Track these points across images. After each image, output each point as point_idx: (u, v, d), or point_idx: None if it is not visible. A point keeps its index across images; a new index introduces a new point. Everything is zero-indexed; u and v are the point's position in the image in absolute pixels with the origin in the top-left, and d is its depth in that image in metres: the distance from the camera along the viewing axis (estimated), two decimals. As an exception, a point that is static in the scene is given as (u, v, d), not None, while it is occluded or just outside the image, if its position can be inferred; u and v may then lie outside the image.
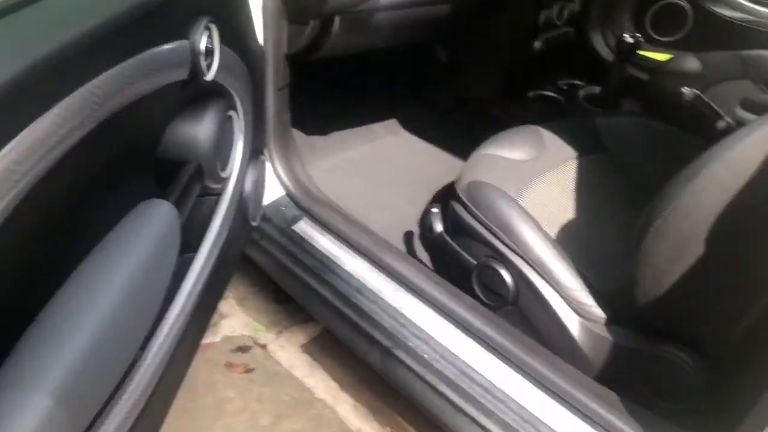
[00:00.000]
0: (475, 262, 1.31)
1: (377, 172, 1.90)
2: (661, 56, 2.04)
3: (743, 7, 2.10)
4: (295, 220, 1.51)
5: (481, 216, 1.29)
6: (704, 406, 1.04)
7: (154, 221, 0.86)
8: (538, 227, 1.25)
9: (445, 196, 1.44)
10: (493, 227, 1.26)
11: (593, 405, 1.07)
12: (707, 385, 1.02)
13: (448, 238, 1.37)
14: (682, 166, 1.47)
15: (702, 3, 2.12)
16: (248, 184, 1.28)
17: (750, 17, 2.13)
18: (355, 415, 1.50)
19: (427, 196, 1.81)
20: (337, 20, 1.35)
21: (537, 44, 1.89)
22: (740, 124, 1.50)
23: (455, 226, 1.36)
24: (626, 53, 1.81)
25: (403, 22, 1.46)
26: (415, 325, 1.26)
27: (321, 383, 1.57)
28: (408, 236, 1.66)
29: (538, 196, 1.38)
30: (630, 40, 1.78)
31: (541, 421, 1.09)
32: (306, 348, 1.66)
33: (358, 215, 1.67)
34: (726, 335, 0.99)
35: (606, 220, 1.36)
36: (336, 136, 1.98)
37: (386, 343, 1.27)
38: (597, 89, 1.91)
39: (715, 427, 0.98)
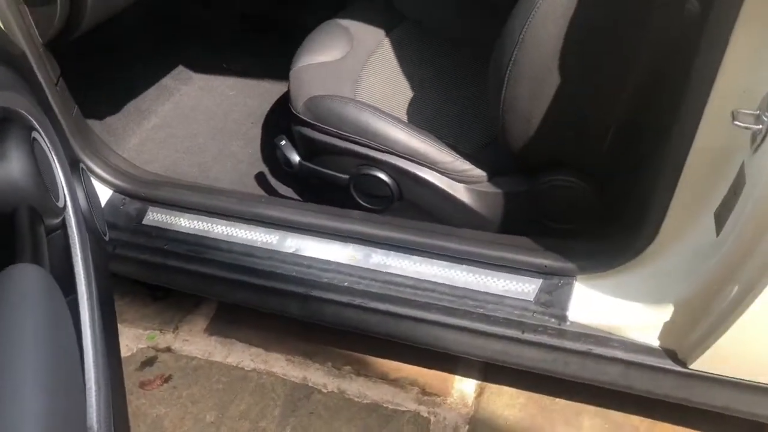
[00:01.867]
0: (346, 176, 1.28)
1: (192, 129, 1.75)
2: None
3: None
4: (141, 213, 1.37)
5: (334, 130, 1.24)
6: (596, 217, 1.15)
7: (25, 290, 0.72)
8: (392, 118, 1.24)
9: (287, 124, 1.36)
10: (352, 136, 1.23)
11: (509, 254, 1.14)
12: (595, 196, 1.13)
13: (310, 165, 1.32)
14: (484, 6, 1.54)
15: None
16: (83, 201, 1.12)
17: None
18: (293, 367, 1.48)
19: (258, 130, 1.72)
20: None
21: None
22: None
23: (312, 149, 1.31)
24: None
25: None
26: (319, 260, 1.23)
27: (245, 355, 1.51)
28: (262, 178, 1.58)
29: (372, 86, 1.35)
30: None
31: (473, 290, 1.14)
32: (211, 330, 1.57)
33: (199, 179, 1.55)
34: (597, 152, 1.08)
35: (441, 85, 1.38)
36: (130, 109, 1.77)
37: (300, 290, 1.23)
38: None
39: (608, 233, 1.10)
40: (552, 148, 1.10)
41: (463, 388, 1.41)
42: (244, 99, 1.81)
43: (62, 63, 1.29)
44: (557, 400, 1.37)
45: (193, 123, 1.76)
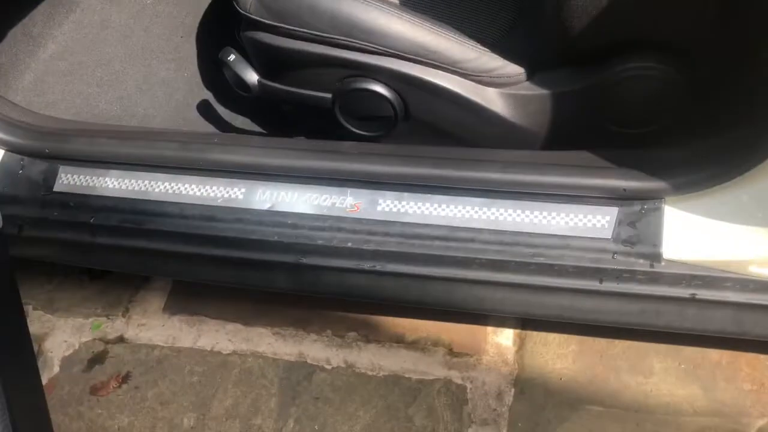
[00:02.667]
0: (328, 94, 0.93)
1: (104, 52, 1.33)
2: None
3: None
4: (50, 177, 1.00)
5: (305, 31, 0.88)
6: (686, 115, 0.84)
7: None
8: (384, 4, 0.88)
9: (232, 31, 0.99)
10: (332, 36, 0.87)
11: (571, 177, 0.83)
12: (687, 87, 0.81)
13: (273, 84, 0.96)
14: None
15: None
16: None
17: None
18: (284, 342, 1.18)
19: (192, 46, 1.31)
20: None
21: None
22: None
23: (274, 61, 0.95)
24: None
25: None
26: (307, 216, 0.90)
27: (220, 335, 1.20)
28: (207, 109, 1.20)
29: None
30: None
31: (526, 233, 0.84)
32: (171, 308, 1.25)
33: (124, 120, 1.17)
34: (698, 22, 0.76)
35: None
36: (16, 36, 1.33)
37: (287, 258, 0.90)
38: None
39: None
40: (632, 22, 0.77)
41: (499, 341, 1.14)
42: (166, 6, 1.39)
43: None
44: (615, 342, 1.11)
45: (103, 45, 1.34)
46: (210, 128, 1.18)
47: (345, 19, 0.85)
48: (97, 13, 1.41)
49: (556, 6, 0.75)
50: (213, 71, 1.27)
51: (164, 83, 1.27)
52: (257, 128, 1.16)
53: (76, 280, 1.31)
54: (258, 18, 0.91)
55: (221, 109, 1.20)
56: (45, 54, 1.34)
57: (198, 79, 1.26)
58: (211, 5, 1.36)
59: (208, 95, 1.23)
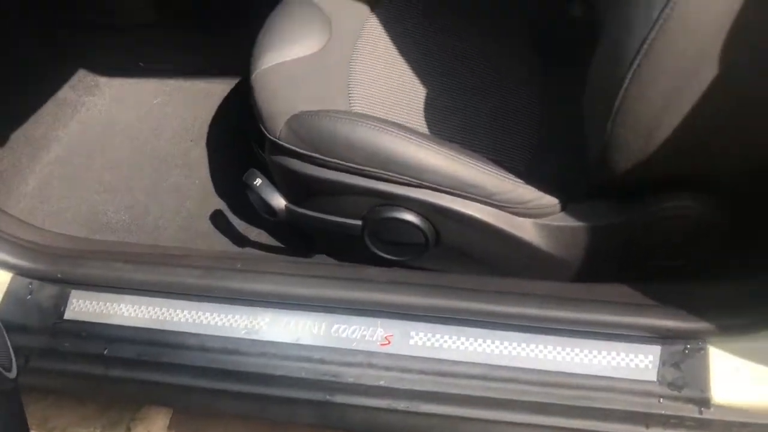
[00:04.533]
0: (358, 221, 0.91)
1: (111, 156, 1.31)
2: None
3: None
4: (60, 302, 0.95)
5: (338, 162, 0.86)
6: (721, 249, 0.84)
7: None
8: (417, 135, 0.87)
9: (259, 153, 0.97)
10: (366, 168, 0.85)
11: (613, 315, 0.81)
12: (721, 228, 0.81)
13: (302, 210, 0.93)
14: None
15: None
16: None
17: None
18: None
19: (203, 150, 1.29)
20: None
21: None
22: None
23: (303, 188, 0.92)
24: None
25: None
26: (337, 351, 0.86)
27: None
28: (220, 219, 1.17)
29: (370, 87, 0.98)
30: None
31: (569, 373, 0.81)
32: (176, 429, 1.18)
33: (134, 230, 1.13)
34: (742, 169, 0.76)
35: (458, 76, 1.01)
36: (18, 140, 1.29)
37: (315, 396, 0.86)
38: None
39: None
40: (677, 166, 0.76)
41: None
42: (174, 108, 1.37)
43: None
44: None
45: (110, 148, 1.32)
46: (224, 241, 1.14)
47: (381, 153, 0.84)
48: (103, 114, 1.39)
49: (599, 145, 0.75)
50: (225, 178, 1.24)
51: (175, 190, 1.24)
52: (274, 242, 1.13)
53: (73, 396, 1.24)
54: (288, 145, 0.89)
55: (235, 220, 1.17)
56: (48, 158, 1.31)
57: (210, 186, 1.23)
58: (218, 110, 1.35)
59: (221, 204, 1.20)
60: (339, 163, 0.86)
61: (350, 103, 0.94)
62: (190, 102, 1.38)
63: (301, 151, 0.88)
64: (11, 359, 0.82)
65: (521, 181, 0.86)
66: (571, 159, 0.89)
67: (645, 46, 0.63)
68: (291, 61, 0.97)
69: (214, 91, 1.37)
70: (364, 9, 1.08)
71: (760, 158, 0.73)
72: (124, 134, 1.35)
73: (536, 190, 0.86)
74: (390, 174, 0.85)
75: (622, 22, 0.68)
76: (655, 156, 0.73)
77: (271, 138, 0.90)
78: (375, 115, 0.92)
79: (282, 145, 0.89)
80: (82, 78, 1.43)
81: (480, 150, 0.91)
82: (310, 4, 1.06)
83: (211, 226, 1.17)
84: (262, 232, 1.14)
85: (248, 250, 1.12)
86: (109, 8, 1.37)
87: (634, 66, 0.64)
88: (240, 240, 1.14)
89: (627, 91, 0.66)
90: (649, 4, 0.62)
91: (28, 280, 0.96)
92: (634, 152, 0.73)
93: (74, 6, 1.35)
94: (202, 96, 1.37)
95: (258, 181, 0.94)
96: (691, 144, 0.71)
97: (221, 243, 1.14)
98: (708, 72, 0.63)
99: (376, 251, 0.94)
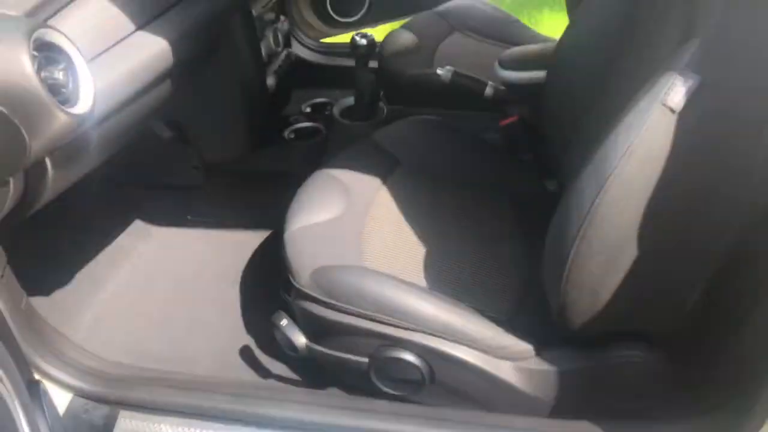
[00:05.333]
0: (365, 359, 1.09)
1: (157, 295, 1.52)
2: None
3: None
4: (110, 422, 1.11)
5: (351, 308, 1.06)
6: (669, 394, 1.00)
7: None
8: (415, 288, 1.07)
9: (285, 300, 1.17)
10: (374, 314, 1.05)
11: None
12: (667, 373, 0.97)
13: (320, 348, 1.12)
14: (472, 148, 1.44)
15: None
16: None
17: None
18: None
19: (236, 293, 1.50)
20: (48, 161, 0.95)
21: (270, 81, 1.66)
22: (508, 84, 1.48)
23: (322, 329, 1.11)
24: (362, 56, 1.68)
25: (126, 123, 1.11)
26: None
27: None
28: (248, 354, 1.35)
29: (378, 246, 1.19)
30: (362, 41, 1.65)
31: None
32: None
33: (173, 360, 1.31)
34: (675, 320, 0.94)
35: (451, 236, 1.23)
36: (81, 279, 1.52)
37: None
38: (350, 101, 1.76)
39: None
40: (623, 320, 0.95)
41: None
42: (215, 257, 1.61)
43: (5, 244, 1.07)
44: None
45: (157, 288, 1.53)
46: (251, 373, 1.31)
47: (386, 302, 1.03)
48: (152, 258, 1.62)
49: (557, 305, 0.94)
50: (254, 317, 1.44)
51: (209, 326, 1.43)
52: (294, 375, 1.29)
53: None
54: (311, 293, 1.09)
55: (259, 354, 1.35)
56: (104, 295, 1.52)
57: (241, 323, 1.42)
58: (251, 259, 1.57)
59: (249, 341, 1.38)
60: (351, 309, 1.05)
61: (362, 259, 1.15)
62: (228, 250, 1.61)
63: (321, 298, 1.08)
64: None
65: (502, 329, 1.04)
66: (547, 309, 1.07)
67: (584, 225, 0.84)
68: (315, 224, 1.20)
69: (249, 241, 1.61)
70: (377, 181, 1.33)
71: (691, 317, 0.91)
72: (169, 276, 1.57)
73: (514, 337, 1.04)
74: (393, 320, 1.04)
75: (569, 204, 0.89)
76: (601, 314, 0.91)
77: (297, 286, 1.11)
78: (382, 269, 1.12)
79: (305, 293, 1.10)
80: (138, 226, 1.68)
81: (468, 301, 1.10)
82: (332, 177, 1.31)
83: (240, 360, 1.34)
84: (285, 365, 1.31)
85: (271, 381, 1.29)
86: (166, 171, 1.66)
87: (577, 241, 0.85)
88: (265, 372, 1.31)
89: (572, 261, 0.87)
90: (583, 194, 0.84)
91: (85, 400, 1.13)
92: (584, 311, 0.92)
93: (138, 169, 1.64)
94: (239, 245, 1.60)
95: (284, 322, 1.13)
96: (630, 300, 0.90)
97: (249, 374, 1.31)
98: (631, 248, 0.83)
99: (381, 386, 1.10)
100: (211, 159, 1.64)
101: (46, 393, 0.95)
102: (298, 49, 2.08)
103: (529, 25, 2.02)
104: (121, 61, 0.97)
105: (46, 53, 0.83)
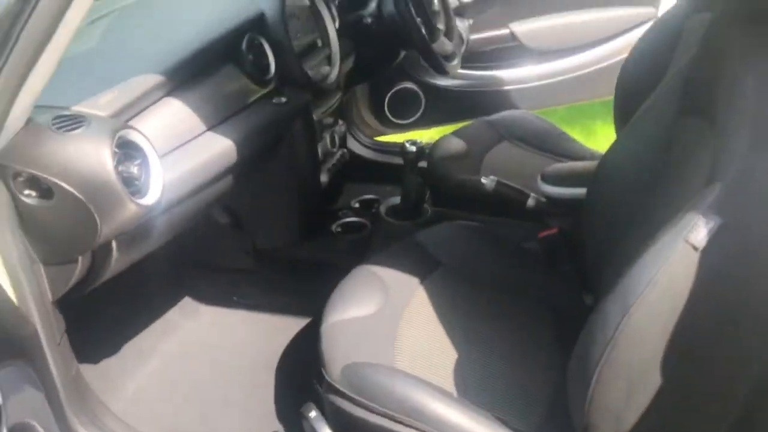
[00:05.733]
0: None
1: (195, 372, 1.58)
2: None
3: (462, 75, 2.26)
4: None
5: (380, 408, 1.08)
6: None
7: None
8: (445, 395, 1.09)
9: (313, 393, 1.20)
10: (400, 416, 1.07)
11: None
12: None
13: (345, 444, 1.14)
14: (512, 256, 1.48)
15: (426, 80, 2.25)
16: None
17: (467, 82, 2.31)
18: None
19: (270, 377, 1.55)
20: (113, 243, 1.05)
21: (324, 177, 1.77)
22: (549, 198, 1.53)
23: (348, 425, 1.13)
24: (411, 161, 1.77)
25: (188, 211, 1.21)
26: None
27: None
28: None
29: (410, 347, 1.22)
30: (412, 148, 1.75)
31: None
32: None
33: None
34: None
35: (483, 343, 1.25)
36: (129, 350, 1.60)
37: None
38: (397, 200, 1.85)
39: None
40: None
41: None
42: (254, 338, 1.67)
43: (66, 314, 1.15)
44: None
45: (196, 365, 1.59)
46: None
47: (413, 404, 1.06)
48: (197, 336, 1.69)
49: (580, 426, 0.94)
50: (286, 404, 1.47)
51: (240, 406, 1.47)
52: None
53: None
54: (341, 388, 1.13)
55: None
56: (148, 368, 1.58)
57: (273, 410, 1.46)
58: (289, 346, 1.62)
59: (278, 428, 1.41)
60: (377, 409, 1.08)
61: (394, 358, 1.18)
62: (269, 334, 1.67)
63: (350, 394, 1.11)
64: None
65: (527, 443, 1.05)
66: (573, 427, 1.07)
67: (608, 349, 0.86)
68: (351, 319, 1.25)
69: (290, 327, 1.66)
70: (416, 281, 1.38)
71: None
72: (210, 354, 1.63)
73: (537, 453, 1.04)
74: (418, 423, 1.06)
75: (595, 326, 0.92)
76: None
77: (327, 380, 1.15)
78: (413, 369, 1.15)
79: (335, 387, 1.13)
80: (186, 303, 1.76)
81: (496, 410, 1.10)
82: (372, 274, 1.36)
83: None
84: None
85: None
86: (219, 254, 1.76)
87: (600, 364, 0.87)
88: None
89: (596, 384, 0.88)
90: (608, 317, 0.87)
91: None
92: (609, 429, 0.92)
93: (193, 249, 1.74)
94: (281, 331, 1.66)
95: (313, 414, 1.16)
96: (656, 421, 0.90)
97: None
98: (654, 377, 0.84)
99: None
100: (262, 245, 1.73)
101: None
102: (353, 146, 2.20)
103: (582, 135, 2.09)
104: (190, 157, 1.08)
105: (126, 150, 0.94)
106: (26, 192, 0.90)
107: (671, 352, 0.83)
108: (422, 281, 1.39)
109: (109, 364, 1.55)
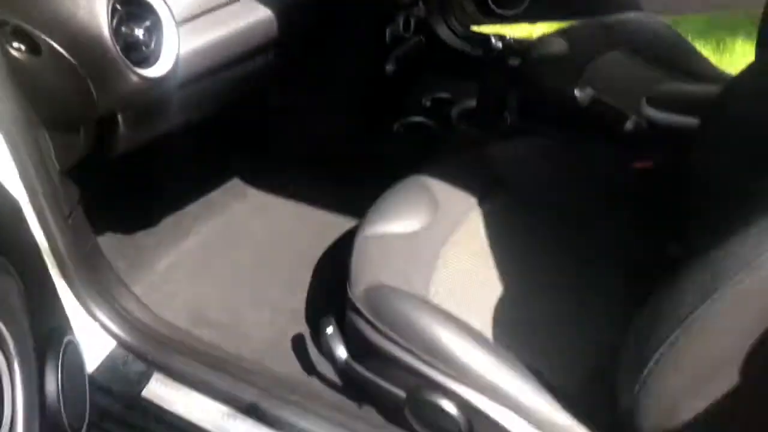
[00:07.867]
0: (403, 393, 0.98)
1: (233, 258, 1.50)
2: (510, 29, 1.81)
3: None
4: (143, 380, 1.10)
5: (397, 337, 0.96)
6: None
7: None
8: (474, 336, 0.95)
9: (339, 306, 1.09)
10: (417, 350, 0.94)
11: None
12: None
13: (358, 368, 1.03)
14: (594, 186, 1.26)
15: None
16: (51, 388, 0.85)
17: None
18: None
19: (308, 276, 1.45)
20: (119, 117, 0.92)
21: (389, 67, 1.56)
22: (651, 123, 1.28)
23: (364, 349, 1.02)
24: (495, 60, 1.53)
25: (212, 90, 1.06)
26: None
27: None
28: (300, 345, 1.30)
29: (451, 277, 1.07)
30: (498, 44, 1.50)
31: None
32: None
33: (227, 334, 1.29)
34: None
35: (539, 283, 1.08)
36: (168, 224, 1.54)
37: None
38: (472, 104, 1.63)
39: None
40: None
41: None
42: (300, 231, 1.56)
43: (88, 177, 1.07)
44: None
45: (234, 252, 1.52)
46: (295, 366, 1.26)
47: (435, 344, 0.92)
48: (240, 220, 1.61)
49: (625, 405, 0.78)
50: (316, 311, 1.38)
51: (271, 305, 1.39)
52: (337, 380, 1.22)
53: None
54: (360, 307, 1.00)
55: (312, 349, 1.29)
56: (185, 246, 1.53)
57: (302, 314, 1.37)
58: (333, 246, 1.51)
59: (305, 331, 1.32)
60: (396, 338, 0.95)
61: (428, 288, 1.04)
62: (316, 229, 1.55)
63: (370, 317, 0.98)
64: (84, 419, 0.97)
65: (562, 404, 0.89)
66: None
67: (677, 331, 0.67)
68: (390, 235, 1.10)
69: (335, 226, 1.54)
70: (472, 201, 1.20)
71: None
72: (250, 241, 1.55)
73: (571, 416, 0.89)
74: (438, 363, 0.93)
75: (667, 298, 0.73)
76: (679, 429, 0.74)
77: (350, 297, 1.02)
78: (446, 304, 1.01)
79: (356, 306, 1.01)
80: (234, 184, 1.67)
81: (535, 362, 0.95)
82: (423, 187, 1.20)
83: (289, 349, 1.29)
84: (329, 368, 1.24)
85: (312, 380, 1.22)
86: (273, 140, 1.63)
87: (665, 345, 0.69)
88: (309, 368, 1.25)
89: (655, 366, 0.70)
90: (685, 294, 0.68)
91: (126, 352, 1.13)
92: (655, 425, 0.75)
93: (245, 134, 1.62)
94: (325, 228, 1.54)
95: (330, 330, 1.05)
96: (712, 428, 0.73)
97: (293, 366, 1.25)
98: (725, 379, 0.66)
99: (415, 426, 1.00)
100: (317, 136, 1.58)
101: (73, 345, 0.94)
102: (443, 32, 1.95)
103: (714, 53, 1.74)
104: (215, 28, 0.92)
105: (131, 8, 0.79)
106: (15, 45, 0.78)
107: (753, 357, 0.64)
108: (480, 202, 1.21)
109: (145, 237, 1.50)
